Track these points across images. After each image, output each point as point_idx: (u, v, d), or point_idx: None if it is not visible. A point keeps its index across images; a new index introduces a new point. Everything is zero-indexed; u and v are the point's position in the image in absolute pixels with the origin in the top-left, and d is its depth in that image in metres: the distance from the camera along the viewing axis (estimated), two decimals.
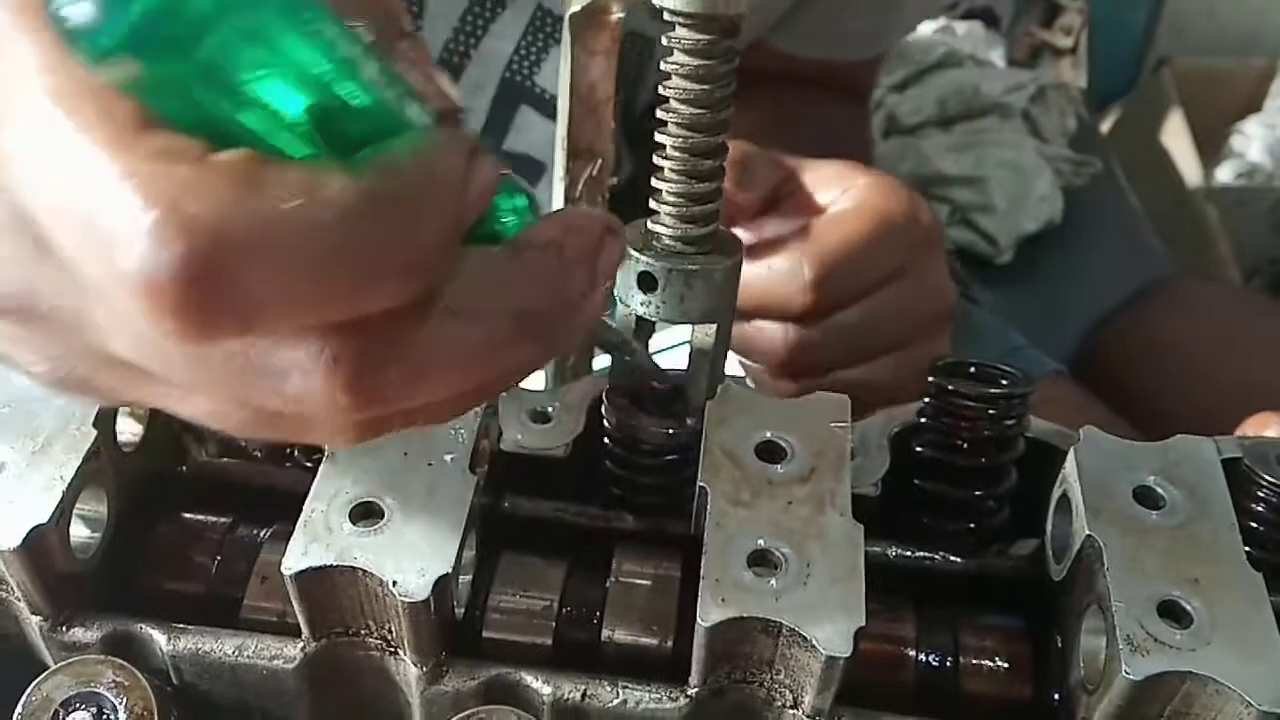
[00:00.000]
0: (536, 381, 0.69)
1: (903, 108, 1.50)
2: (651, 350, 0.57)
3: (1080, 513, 0.47)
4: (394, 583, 0.43)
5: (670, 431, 0.54)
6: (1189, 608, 0.43)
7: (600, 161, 0.66)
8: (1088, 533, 0.46)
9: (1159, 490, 0.47)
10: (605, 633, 0.49)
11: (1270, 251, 1.84)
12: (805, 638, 0.42)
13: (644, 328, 0.54)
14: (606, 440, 0.56)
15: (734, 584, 0.43)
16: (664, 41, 0.48)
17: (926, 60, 1.56)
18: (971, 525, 0.56)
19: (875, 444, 0.57)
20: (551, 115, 1.02)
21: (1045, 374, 1.08)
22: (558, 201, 0.67)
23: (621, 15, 0.60)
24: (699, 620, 0.42)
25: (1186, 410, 1.10)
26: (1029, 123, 1.51)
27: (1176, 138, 1.92)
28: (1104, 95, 2.07)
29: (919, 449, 0.56)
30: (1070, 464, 0.49)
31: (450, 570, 0.44)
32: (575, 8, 0.59)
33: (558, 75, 0.62)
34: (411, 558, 0.44)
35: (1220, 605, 0.44)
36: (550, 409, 0.58)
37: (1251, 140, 2.00)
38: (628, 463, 0.56)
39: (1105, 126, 2.06)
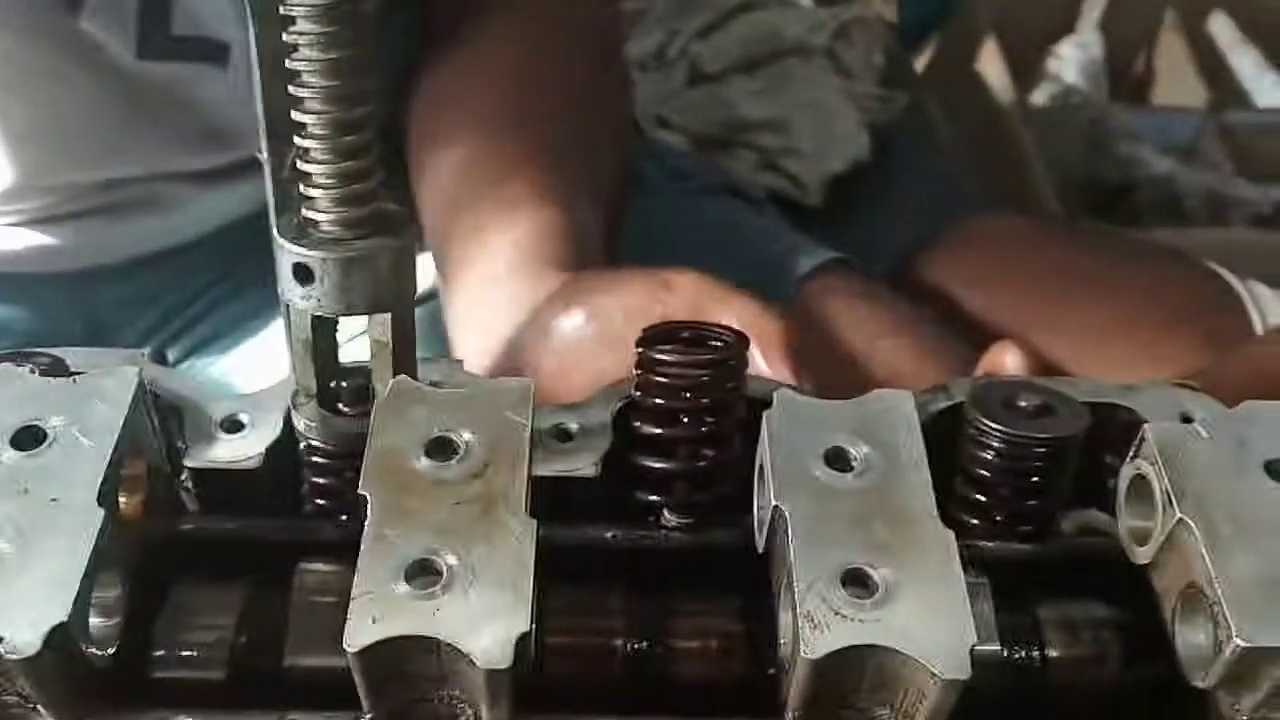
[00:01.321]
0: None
1: (705, 55, 1.47)
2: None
3: (769, 482, 0.44)
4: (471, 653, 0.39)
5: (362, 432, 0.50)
6: (875, 575, 0.41)
7: None
8: (774, 503, 0.43)
9: (850, 450, 0.45)
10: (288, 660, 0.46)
11: (1085, 171, 1.86)
12: (463, 653, 0.39)
13: (323, 325, 0.50)
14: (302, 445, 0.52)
15: (388, 600, 0.40)
16: (282, 10, 0.43)
17: (728, 4, 1.53)
18: (698, 500, 0.53)
19: (598, 422, 0.54)
20: None
21: (822, 263, 1.06)
22: (269, 182, 0.62)
23: None
24: (345, 645, 0.39)
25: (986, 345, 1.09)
26: (833, 60, 1.49)
27: (991, 64, 1.93)
28: (919, 26, 2.07)
29: (635, 424, 0.53)
30: (764, 430, 0.46)
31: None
32: None
33: None
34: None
35: (909, 569, 0.41)
36: (244, 417, 0.54)
37: (1066, 62, 2.02)
38: (327, 469, 0.52)
39: (924, 60, 2.06)
